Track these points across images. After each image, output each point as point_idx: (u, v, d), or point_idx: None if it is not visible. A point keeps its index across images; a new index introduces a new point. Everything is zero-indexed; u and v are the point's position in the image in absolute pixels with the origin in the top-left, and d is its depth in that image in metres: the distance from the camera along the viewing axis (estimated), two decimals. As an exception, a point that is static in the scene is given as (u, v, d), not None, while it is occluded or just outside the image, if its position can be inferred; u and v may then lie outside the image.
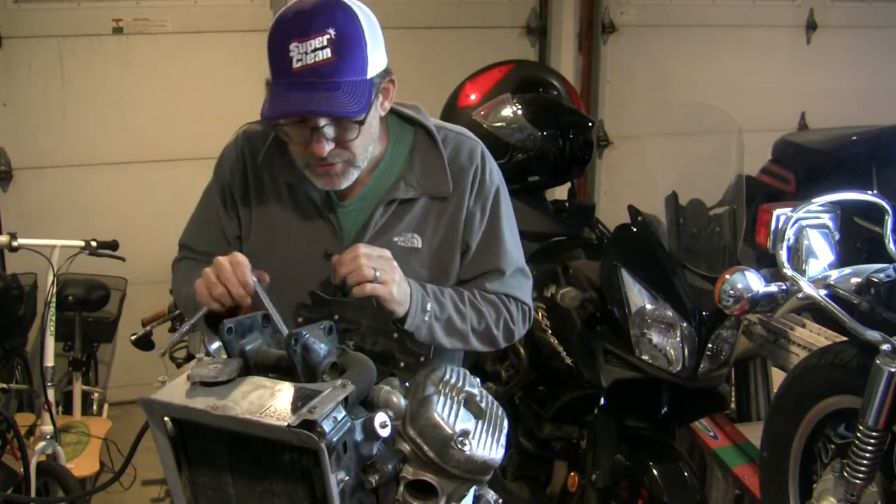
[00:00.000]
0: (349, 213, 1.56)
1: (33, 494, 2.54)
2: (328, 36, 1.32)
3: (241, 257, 1.35)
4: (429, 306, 1.46)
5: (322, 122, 1.37)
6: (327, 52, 1.32)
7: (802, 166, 3.81)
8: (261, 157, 1.56)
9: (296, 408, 1.00)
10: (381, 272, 1.36)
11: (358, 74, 1.36)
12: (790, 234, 2.01)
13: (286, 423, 0.97)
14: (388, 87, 1.47)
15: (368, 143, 1.46)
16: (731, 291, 1.82)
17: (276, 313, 1.25)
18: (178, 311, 3.03)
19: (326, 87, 1.33)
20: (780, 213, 2.11)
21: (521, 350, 2.46)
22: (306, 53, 1.32)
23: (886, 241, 1.90)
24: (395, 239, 1.54)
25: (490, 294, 1.59)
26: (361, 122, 1.39)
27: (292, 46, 1.33)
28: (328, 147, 1.39)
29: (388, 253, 1.42)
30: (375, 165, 1.55)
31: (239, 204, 1.60)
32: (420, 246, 1.55)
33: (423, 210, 1.56)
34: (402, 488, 1.09)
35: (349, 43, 1.35)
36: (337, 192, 1.55)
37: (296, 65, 1.33)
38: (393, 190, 1.53)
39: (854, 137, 3.80)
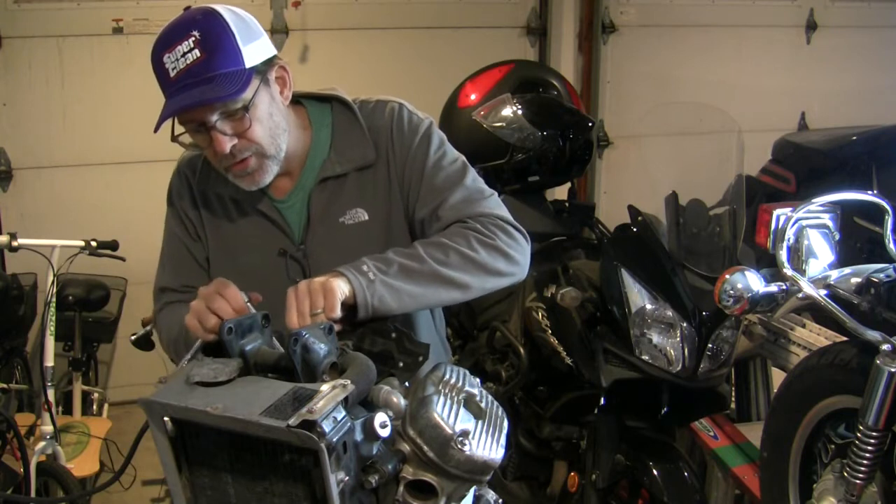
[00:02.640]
0: (291, 208, 1.58)
1: (33, 494, 2.54)
2: (193, 38, 1.37)
3: (229, 283, 1.35)
4: (365, 267, 1.36)
5: (213, 118, 1.40)
6: (196, 53, 1.37)
7: (802, 166, 3.82)
8: (197, 177, 1.60)
9: (295, 408, 1.00)
10: (313, 304, 1.29)
11: (232, 65, 1.39)
12: (790, 234, 2.01)
13: (286, 424, 0.97)
14: (281, 75, 1.49)
15: (273, 132, 1.47)
16: (731, 291, 1.81)
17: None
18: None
19: (200, 83, 1.37)
20: (780, 213, 2.11)
21: (521, 350, 2.46)
22: (177, 60, 1.38)
23: (886, 241, 1.90)
24: (341, 219, 1.55)
25: (448, 227, 1.50)
26: (247, 108, 1.41)
27: (165, 58, 1.39)
28: (228, 143, 1.42)
29: (294, 287, 1.32)
30: (305, 155, 1.57)
31: (197, 227, 1.62)
32: (367, 218, 1.55)
33: (357, 183, 1.56)
34: (402, 488, 1.09)
35: (215, 39, 1.38)
36: (274, 191, 1.57)
37: (172, 74, 1.39)
38: (322, 170, 1.55)
39: (854, 137, 3.81)
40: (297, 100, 1.58)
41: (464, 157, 1.60)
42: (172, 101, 1.39)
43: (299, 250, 1.56)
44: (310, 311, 1.28)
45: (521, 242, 1.52)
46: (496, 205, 1.55)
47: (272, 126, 1.47)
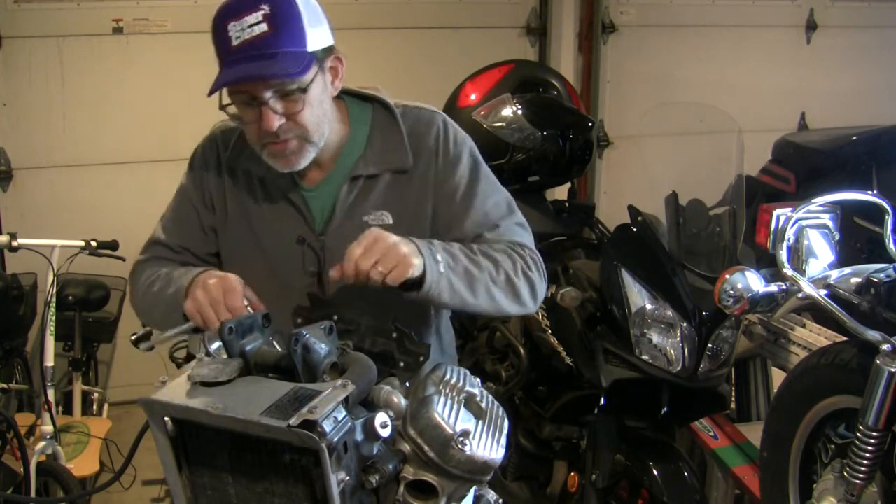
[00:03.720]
0: (317, 198, 1.58)
1: (33, 494, 2.54)
2: (262, 11, 1.37)
3: (234, 283, 1.36)
4: (439, 256, 1.40)
5: (267, 94, 1.40)
6: (263, 27, 1.37)
7: (802, 166, 3.81)
8: (229, 151, 1.60)
9: (296, 408, 1.00)
10: (383, 263, 1.33)
11: (296, 46, 1.40)
12: (790, 234, 2.01)
13: (286, 424, 0.97)
14: (335, 66, 1.50)
15: (320, 119, 1.48)
16: (731, 291, 1.81)
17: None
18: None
19: (262, 58, 1.37)
20: (780, 213, 2.11)
21: (521, 350, 2.46)
22: (242, 30, 1.37)
23: (886, 241, 1.90)
24: (365, 218, 1.56)
25: (496, 245, 1.55)
26: (304, 90, 1.41)
27: (230, 26, 1.38)
28: (277, 121, 1.42)
29: (375, 232, 1.37)
30: (339, 149, 1.57)
31: (216, 199, 1.62)
32: (391, 222, 1.56)
33: (387, 186, 1.57)
34: (402, 488, 1.09)
35: (284, 16, 1.38)
36: (303, 178, 1.57)
37: (234, 42, 1.38)
38: (355, 167, 1.56)
39: (854, 137, 3.80)
40: (338, 94, 1.59)
41: (494, 177, 1.64)
42: (231, 71, 1.38)
43: (318, 240, 1.56)
44: (373, 265, 1.31)
45: (545, 281, 1.59)
46: (531, 241, 1.61)
47: (321, 113, 1.48)
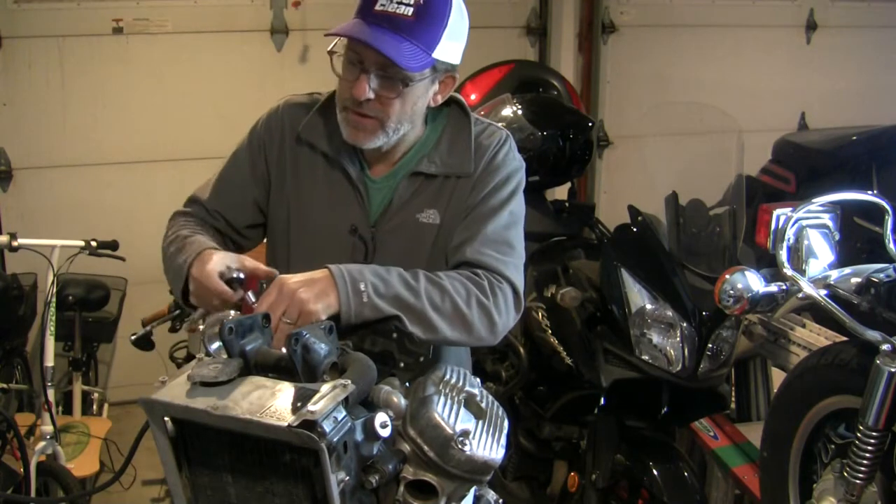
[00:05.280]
0: (380, 189, 1.59)
1: (33, 494, 2.54)
2: None
3: (210, 273, 1.37)
4: (362, 285, 1.34)
5: (372, 66, 1.43)
6: (408, 10, 1.41)
7: (802, 166, 3.81)
8: (303, 123, 1.60)
9: (296, 408, 1.00)
10: (288, 314, 1.29)
11: (425, 46, 1.43)
12: (790, 234, 2.01)
13: (286, 424, 0.97)
14: (447, 81, 1.54)
15: (405, 116, 1.49)
16: (731, 291, 1.82)
17: None
18: (178, 311, 3.03)
19: (391, 34, 1.40)
20: (780, 213, 2.11)
21: (521, 350, 2.46)
22: (390, 2, 1.40)
23: (886, 241, 1.90)
24: (418, 215, 1.56)
25: (461, 268, 1.49)
26: (406, 84, 1.44)
27: None
28: (367, 94, 1.44)
29: (279, 281, 1.33)
30: (410, 148, 1.59)
31: (272, 171, 1.62)
32: (439, 222, 1.57)
33: (443, 187, 1.58)
34: (402, 488, 1.09)
35: (431, 15, 1.43)
36: (371, 168, 1.59)
37: (377, 7, 1.41)
38: (418, 164, 1.57)
39: (854, 137, 3.80)
40: None
41: (522, 216, 1.60)
42: (359, 29, 1.41)
43: (370, 232, 1.57)
44: (280, 318, 1.28)
45: (511, 312, 1.49)
46: (515, 269, 1.52)
47: (408, 112, 1.49)
